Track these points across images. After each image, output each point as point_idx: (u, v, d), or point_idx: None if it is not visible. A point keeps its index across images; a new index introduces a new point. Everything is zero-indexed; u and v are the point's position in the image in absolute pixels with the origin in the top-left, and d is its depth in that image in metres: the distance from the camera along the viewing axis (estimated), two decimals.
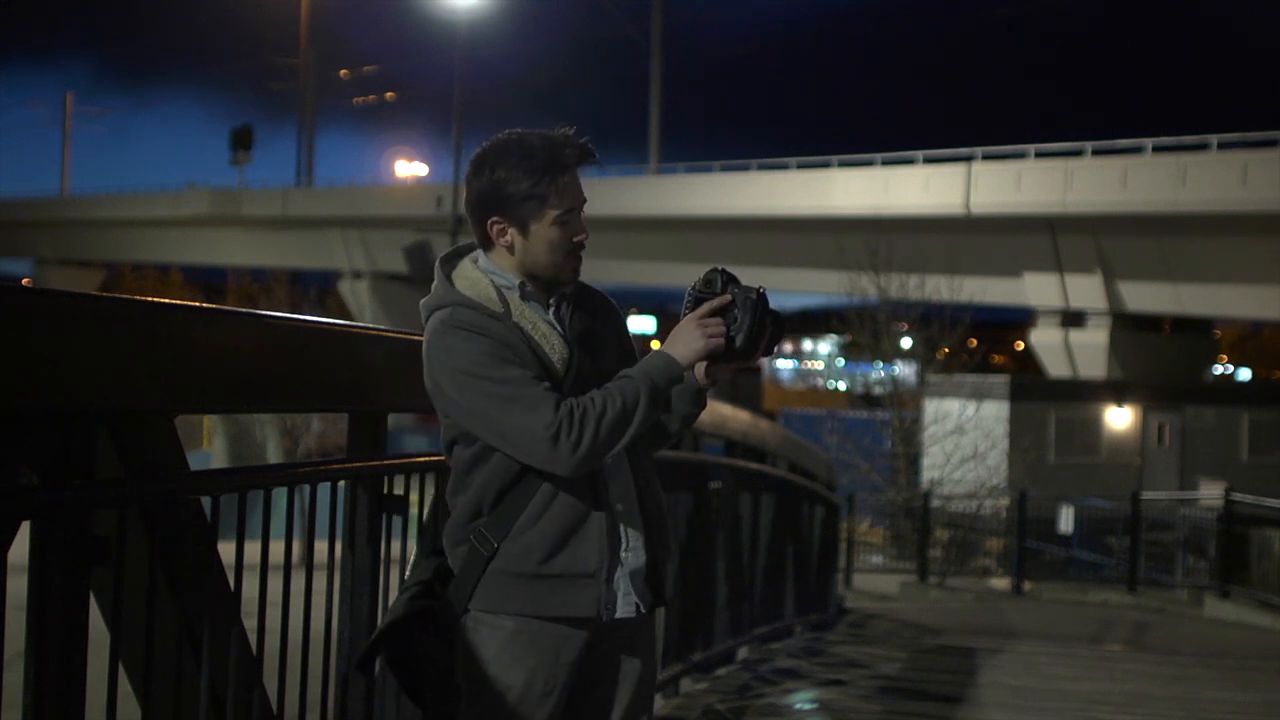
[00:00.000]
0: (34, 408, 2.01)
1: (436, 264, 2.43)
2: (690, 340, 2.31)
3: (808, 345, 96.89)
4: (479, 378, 2.26)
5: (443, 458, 2.51)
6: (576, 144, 2.35)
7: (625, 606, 2.37)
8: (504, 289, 2.37)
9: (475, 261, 2.42)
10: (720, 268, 2.38)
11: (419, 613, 2.39)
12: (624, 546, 2.37)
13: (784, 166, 33.07)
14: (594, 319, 2.44)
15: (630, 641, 2.45)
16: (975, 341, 25.45)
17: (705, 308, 2.33)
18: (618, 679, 2.44)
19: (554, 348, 2.34)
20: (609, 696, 2.44)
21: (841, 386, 65.91)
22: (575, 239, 2.37)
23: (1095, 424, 25.22)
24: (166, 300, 2.33)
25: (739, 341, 2.32)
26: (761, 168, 33.70)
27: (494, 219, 2.36)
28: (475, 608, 2.35)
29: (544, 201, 2.33)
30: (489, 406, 2.26)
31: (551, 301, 2.41)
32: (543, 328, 2.35)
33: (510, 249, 2.37)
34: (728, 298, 2.32)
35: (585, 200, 2.38)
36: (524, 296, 2.38)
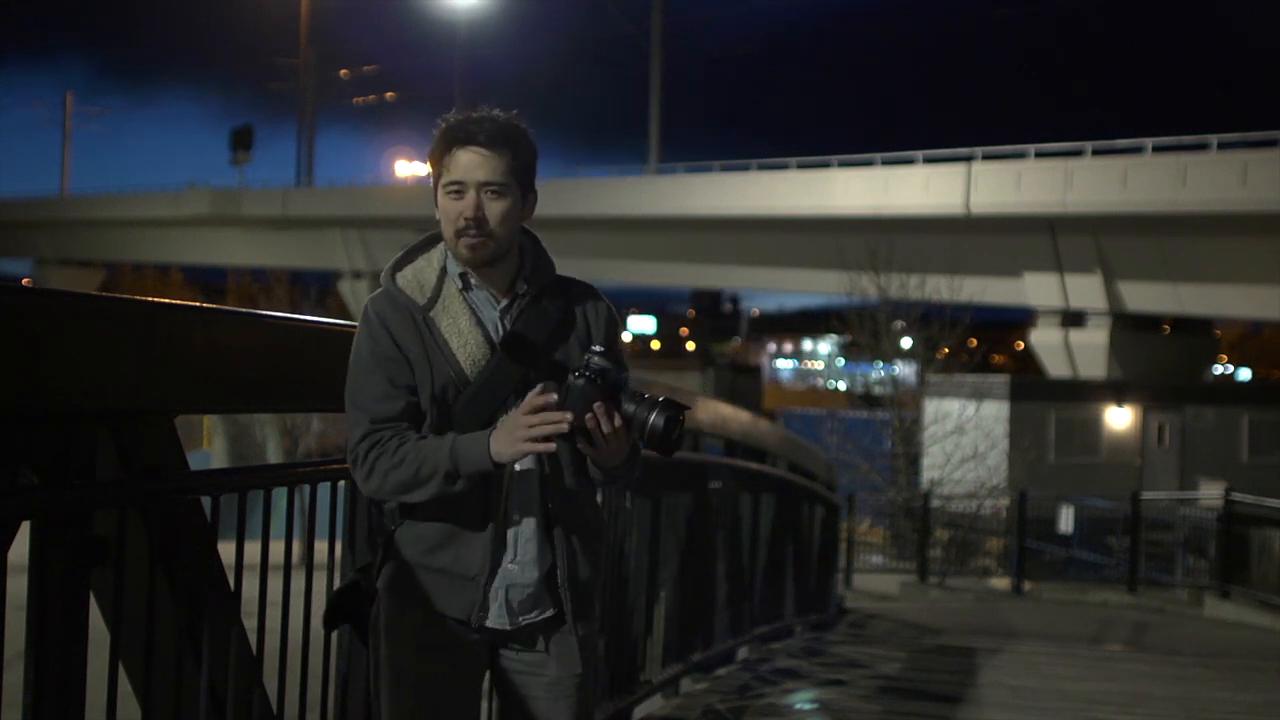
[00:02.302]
0: (34, 408, 2.01)
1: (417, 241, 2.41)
2: (510, 439, 2.17)
3: (808, 345, 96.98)
4: (350, 372, 2.31)
5: None
6: (487, 123, 2.27)
7: (499, 617, 2.32)
8: (451, 277, 2.32)
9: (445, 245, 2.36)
10: (597, 353, 2.22)
11: (350, 585, 2.41)
12: (510, 558, 2.31)
13: (784, 166, 33.09)
14: (553, 321, 2.33)
15: (539, 656, 2.37)
16: (975, 341, 25.45)
17: (532, 403, 2.18)
18: (533, 697, 2.38)
19: (466, 347, 2.27)
20: (532, 713, 2.38)
21: (841, 386, 65.93)
22: (458, 217, 2.26)
23: (1095, 424, 25.23)
24: (166, 300, 2.33)
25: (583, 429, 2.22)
26: (761, 168, 33.72)
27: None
28: (380, 581, 2.36)
29: (439, 164, 2.29)
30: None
31: (507, 297, 2.32)
32: (462, 325, 2.28)
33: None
34: (551, 397, 2.17)
35: (484, 183, 2.25)
36: (466, 287, 2.32)
